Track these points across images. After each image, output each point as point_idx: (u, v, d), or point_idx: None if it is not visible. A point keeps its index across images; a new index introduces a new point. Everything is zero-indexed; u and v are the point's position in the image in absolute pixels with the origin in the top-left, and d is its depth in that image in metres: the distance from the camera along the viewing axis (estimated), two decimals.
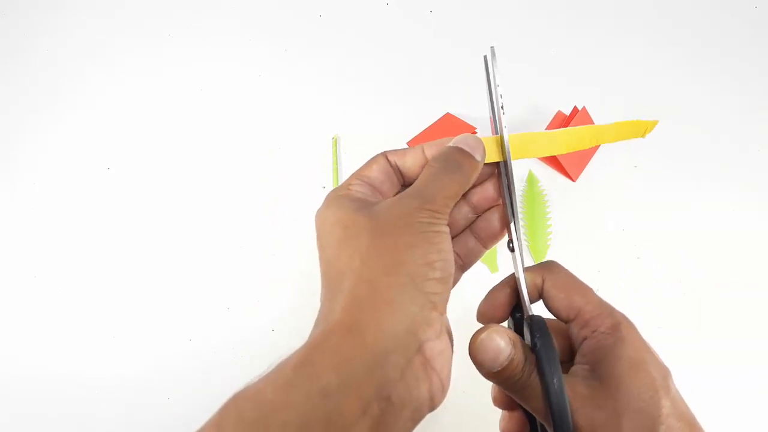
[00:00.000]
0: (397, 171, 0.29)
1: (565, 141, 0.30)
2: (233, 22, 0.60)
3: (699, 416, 0.26)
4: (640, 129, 0.31)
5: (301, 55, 0.59)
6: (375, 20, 0.60)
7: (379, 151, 0.29)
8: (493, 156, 0.29)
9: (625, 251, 0.50)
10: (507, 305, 0.30)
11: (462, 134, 0.28)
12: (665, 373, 0.26)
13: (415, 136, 0.54)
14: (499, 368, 0.26)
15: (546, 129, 0.55)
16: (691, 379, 0.45)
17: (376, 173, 0.28)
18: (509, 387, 0.27)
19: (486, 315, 0.30)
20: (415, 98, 0.56)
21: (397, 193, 0.29)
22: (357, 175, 0.28)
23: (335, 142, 0.54)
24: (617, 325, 0.26)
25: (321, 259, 0.27)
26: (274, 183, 0.53)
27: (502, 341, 0.26)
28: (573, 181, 0.53)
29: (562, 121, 0.54)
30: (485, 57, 0.32)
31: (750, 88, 0.57)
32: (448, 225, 0.26)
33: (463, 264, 0.32)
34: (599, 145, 0.54)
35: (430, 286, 0.24)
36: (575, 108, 0.54)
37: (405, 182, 0.30)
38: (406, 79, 0.57)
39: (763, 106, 0.56)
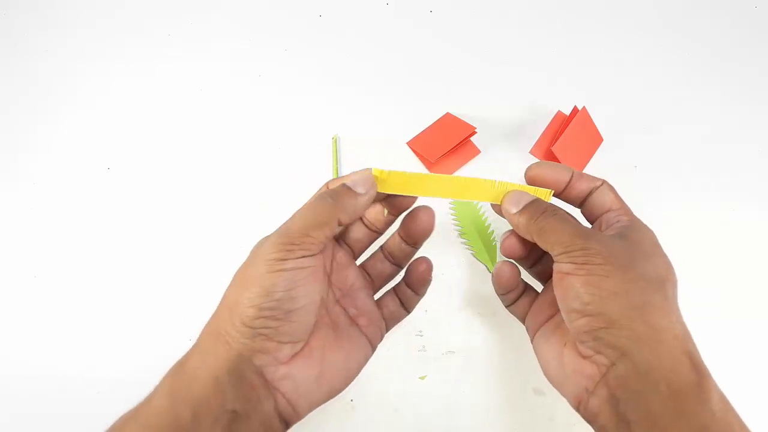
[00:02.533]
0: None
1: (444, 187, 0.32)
2: (233, 22, 0.60)
3: None
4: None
5: (301, 55, 0.59)
6: (375, 20, 0.60)
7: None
8: (398, 188, 0.31)
9: None
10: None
11: (368, 172, 0.30)
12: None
13: (415, 136, 0.54)
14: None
15: (546, 128, 0.55)
16: None
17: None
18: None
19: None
20: (415, 98, 0.56)
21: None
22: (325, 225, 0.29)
23: (335, 142, 0.54)
24: (649, 229, 0.30)
25: None
26: (273, 183, 0.53)
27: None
28: None
29: (562, 121, 0.54)
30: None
31: (750, 88, 0.57)
32: (315, 255, 0.28)
33: (405, 306, 0.35)
34: (599, 145, 0.54)
35: (258, 323, 0.26)
36: (575, 108, 0.54)
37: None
38: (406, 79, 0.57)
39: (764, 106, 0.56)
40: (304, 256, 0.27)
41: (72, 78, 0.58)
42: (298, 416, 0.28)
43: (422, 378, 0.46)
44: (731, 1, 0.61)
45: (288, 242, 0.27)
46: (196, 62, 0.58)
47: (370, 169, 0.31)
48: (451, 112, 0.55)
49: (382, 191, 0.31)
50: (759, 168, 0.54)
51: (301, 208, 0.30)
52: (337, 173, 0.53)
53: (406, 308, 0.35)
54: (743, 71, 0.58)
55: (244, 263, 0.29)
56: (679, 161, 0.54)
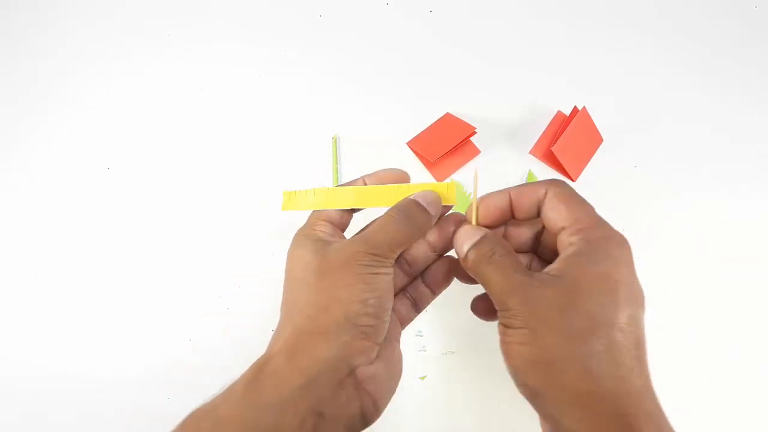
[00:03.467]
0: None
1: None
2: (233, 22, 0.60)
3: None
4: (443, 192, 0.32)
5: (301, 55, 0.59)
6: (375, 20, 0.60)
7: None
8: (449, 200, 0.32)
9: None
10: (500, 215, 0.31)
11: (424, 190, 0.31)
12: (636, 300, 0.26)
13: (415, 136, 0.54)
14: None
15: (546, 128, 0.55)
16: (689, 380, 0.46)
17: (338, 213, 0.33)
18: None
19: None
20: (415, 98, 0.56)
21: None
22: (321, 215, 0.33)
23: (335, 142, 0.54)
24: (609, 239, 0.27)
25: (283, 292, 0.31)
26: (273, 183, 0.53)
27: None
28: (573, 181, 0.53)
29: (562, 121, 0.54)
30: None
31: (750, 88, 0.57)
32: (393, 267, 0.29)
33: (416, 305, 0.35)
34: (599, 145, 0.54)
35: (363, 320, 0.27)
36: (575, 108, 0.54)
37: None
38: (406, 79, 0.57)
39: (764, 106, 0.56)
40: (390, 266, 0.29)
41: (72, 78, 0.58)
42: (379, 413, 0.29)
43: (422, 378, 0.46)
44: (731, 1, 0.61)
45: (380, 254, 0.29)
46: (196, 62, 0.58)
47: (435, 192, 0.31)
48: (451, 112, 0.55)
49: (288, 209, 0.33)
50: (759, 168, 0.54)
51: (384, 222, 0.30)
52: (338, 173, 0.53)
53: (417, 309, 0.36)
54: (743, 71, 0.58)
55: (317, 267, 0.29)
56: (679, 161, 0.54)
